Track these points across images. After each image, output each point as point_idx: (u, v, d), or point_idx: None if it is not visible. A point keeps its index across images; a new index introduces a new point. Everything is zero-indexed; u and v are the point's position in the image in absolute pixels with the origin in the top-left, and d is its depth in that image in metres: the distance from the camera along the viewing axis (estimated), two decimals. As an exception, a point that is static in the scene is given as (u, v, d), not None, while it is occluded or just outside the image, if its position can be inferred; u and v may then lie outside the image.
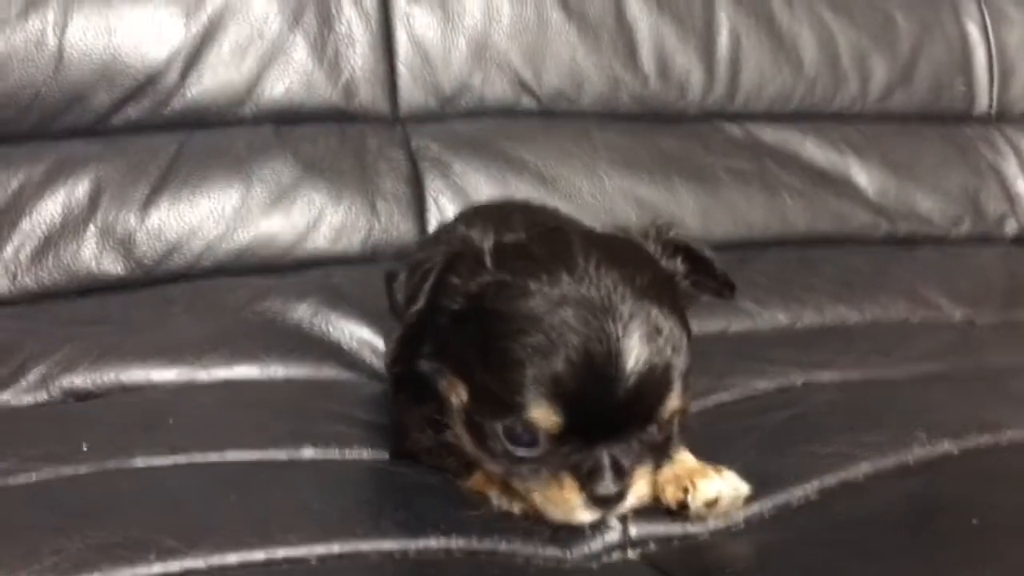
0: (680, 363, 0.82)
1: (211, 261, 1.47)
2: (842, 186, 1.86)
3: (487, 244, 0.86)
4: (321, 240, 1.52)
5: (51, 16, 1.49)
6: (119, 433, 1.04)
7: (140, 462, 0.96)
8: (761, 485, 0.90)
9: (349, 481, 0.93)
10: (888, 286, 1.67)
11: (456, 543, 0.80)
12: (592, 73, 1.76)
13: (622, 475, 0.82)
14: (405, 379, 0.94)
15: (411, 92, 1.67)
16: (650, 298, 0.82)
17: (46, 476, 0.92)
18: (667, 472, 0.89)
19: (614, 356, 0.79)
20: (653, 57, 1.79)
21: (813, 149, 1.88)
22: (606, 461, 0.81)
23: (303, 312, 1.40)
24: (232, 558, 0.75)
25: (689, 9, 1.81)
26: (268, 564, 0.75)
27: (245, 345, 1.30)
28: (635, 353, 0.79)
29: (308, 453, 1.00)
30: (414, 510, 0.84)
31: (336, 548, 0.78)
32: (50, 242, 1.44)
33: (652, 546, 0.86)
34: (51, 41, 1.49)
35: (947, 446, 0.96)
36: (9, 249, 1.43)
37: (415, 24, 1.67)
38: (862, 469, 0.92)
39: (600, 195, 1.68)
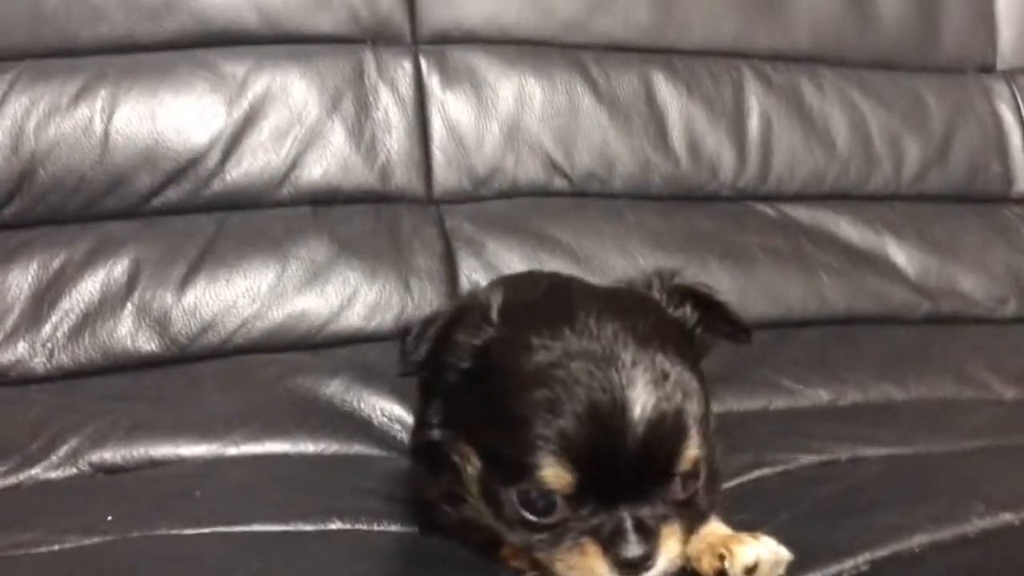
0: (693, 408, 0.79)
1: (245, 338, 1.48)
2: (881, 265, 1.83)
3: (495, 301, 0.85)
4: (355, 317, 1.53)
5: (99, 104, 1.55)
6: (144, 505, 1.02)
7: (164, 531, 0.93)
8: (808, 557, 0.85)
9: (377, 551, 0.90)
10: (933, 364, 1.63)
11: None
12: (624, 155, 1.77)
13: (648, 536, 0.78)
14: (423, 451, 0.92)
15: (445, 174, 1.69)
16: (654, 345, 0.80)
17: (70, 545, 0.90)
18: (701, 542, 0.85)
19: (620, 405, 0.77)
20: (684, 140, 1.81)
21: (849, 229, 1.86)
22: (628, 523, 0.78)
23: (334, 388, 1.38)
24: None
25: (719, 93, 1.84)
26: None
27: (275, 421, 1.29)
28: (642, 400, 0.77)
29: (336, 526, 0.97)
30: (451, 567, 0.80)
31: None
32: (88, 320, 1.46)
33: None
34: (98, 127, 1.54)
35: (1008, 517, 0.91)
36: (48, 327, 1.45)
37: (449, 110, 1.71)
38: (917, 540, 0.87)
39: (634, 274, 1.66)
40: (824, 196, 1.89)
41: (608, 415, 0.76)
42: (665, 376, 0.79)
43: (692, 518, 0.83)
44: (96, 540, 0.91)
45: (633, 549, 0.77)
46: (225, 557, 0.84)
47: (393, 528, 0.97)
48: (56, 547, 0.91)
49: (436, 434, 0.87)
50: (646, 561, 0.78)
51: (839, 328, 1.72)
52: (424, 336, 0.85)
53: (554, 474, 0.77)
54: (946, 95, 1.98)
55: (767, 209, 1.85)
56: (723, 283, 1.72)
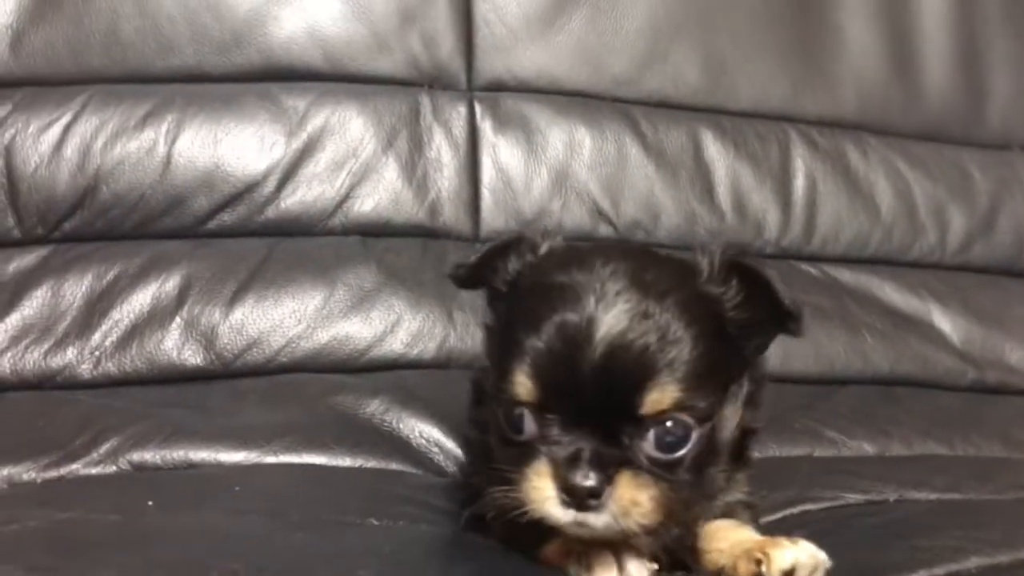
0: (671, 355, 0.78)
1: (289, 357, 1.49)
2: (925, 330, 1.82)
3: (549, 241, 0.89)
4: (397, 344, 1.53)
5: (165, 127, 1.60)
6: (184, 494, 1.02)
7: (205, 514, 0.92)
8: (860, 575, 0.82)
9: (418, 539, 0.89)
10: (980, 428, 1.59)
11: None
12: (669, 206, 1.79)
13: (604, 472, 0.77)
14: (473, 388, 0.95)
15: (493, 214, 1.72)
16: (651, 291, 0.80)
17: (111, 520, 0.90)
18: (736, 547, 0.83)
19: (586, 325, 0.78)
20: (730, 196, 1.82)
21: (892, 293, 1.85)
22: (586, 452, 0.77)
23: (375, 408, 1.38)
24: (301, 585, 0.71)
25: (765, 153, 1.86)
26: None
27: (315, 434, 1.29)
28: (609, 325, 0.77)
29: (375, 523, 0.95)
30: (487, 565, 0.79)
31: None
32: (136, 331, 1.48)
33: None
34: (162, 149, 1.59)
35: (1067, 549, 0.87)
36: (97, 336, 1.47)
37: (500, 153, 1.74)
38: (973, 562, 0.84)
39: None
40: (868, 260, 1.89)
41: (574, 332, 0.78)
42: (646, 315, 0.78)
43: (672, 487, 0.79)
44: (138, 518, 0.90)
45: (582, 478, 0.76)
46: (269, 531, 0.83)
47: (433, 528, 0.95)
48: (98, 523, 0.90)
49: (480, 369, 0.92)
50: (594, 495, 0.77)
51: (882, 388, 1.70)
52: (481, 252, 0.90)
53: (521, 383, 0.79)
54: (991, 169, 1.99)
55: (811, 269, 1.85)
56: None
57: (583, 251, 0.89)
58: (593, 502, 0.77)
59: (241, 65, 1.67)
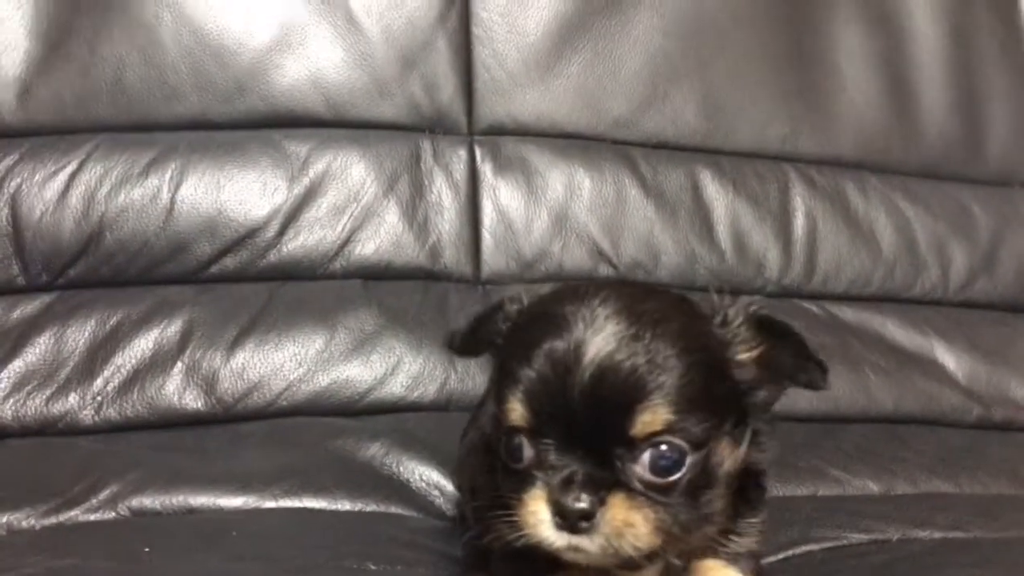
0: (661, 378, 0.78)
1: (289, 401, 1.49)
2: (929, 368, 1.81)
3: (528, 295, 0.90)
4: (398, 387, 1.54)
5: (168, 174, 1.62)
6: (182, 540, 1.02)
7: (201, 561, 0.92)
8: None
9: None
10: (987, 465, 1.58)
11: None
12: (669, 246, 1.80)
13: (597, 495, 0.77)
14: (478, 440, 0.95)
15: (493, 256, 1.73)
16: (642, 320, 0.80)
17: (105, 567, 0.89)
18: None
19: (574, 350, 0.79)
20: (730, 235, 1.83)
21: (896, 330, 1.85)
22: (579, 475, 0.78)
23: (375, 451, 1.38)
24: (287, 635, 0.70)
25: (765, 192, 1.87)
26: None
27: (315, 478, 1.28)
28: (597, 348, 0.78)
29: (373, 568, 0.95)
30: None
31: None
32: (138, 376, 1.49)
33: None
34: (165, 196, 1.61)
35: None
36: (99, 381, 1.48)
37: (501, 196, 1.76)
38: (979, 599, 0.82)
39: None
40: (870, 297, 1.89)
41: (563, 357, 0.79)
42: (635, 337, 0.79)
43: (667, 510, 0.79)
44: (132, 567, 0.90)
45: (574, 500, 0.77)
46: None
47: (431, 572, 0.94)
48: (93, 570, 0.90)
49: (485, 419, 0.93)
50: (586, 517, 0.77)
51: (887, 426, 1.68)
52: (472, 318, 0.93)
53: (514, 409, 0.80)
54: (992, 206, 1.99)
55: (813, 307, 1.85)
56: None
57: (579, 286, 0.89)
58: (585, 524, 0.77)
59: (244, 112, 1.69)
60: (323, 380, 1.52)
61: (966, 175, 2.01)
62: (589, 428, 0.79)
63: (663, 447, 0.79)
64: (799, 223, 1.87)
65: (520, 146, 1.79)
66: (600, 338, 0.79)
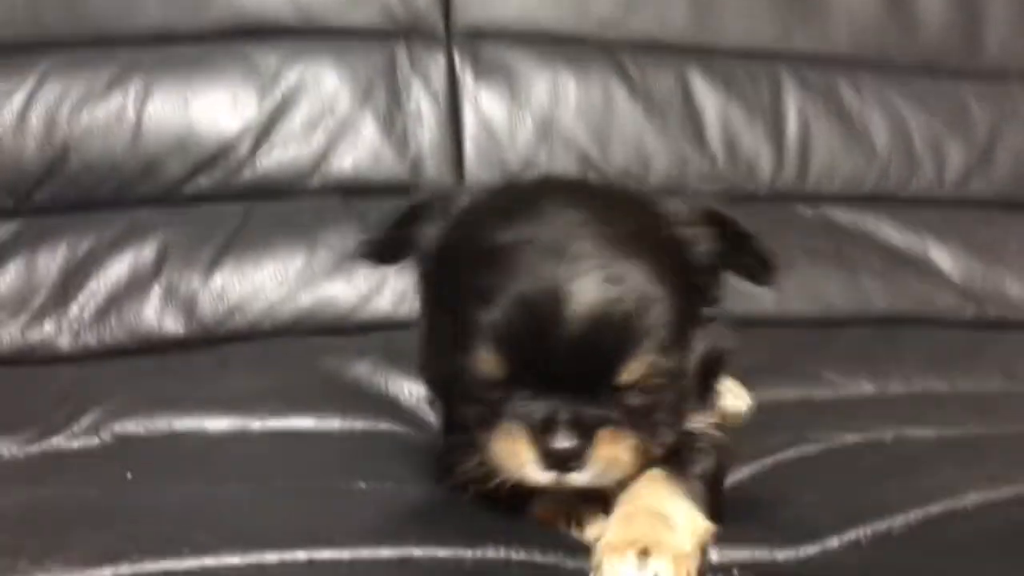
0: (649, 323, 0.73)
1: (272, 322, 1.46)
2: (923, 267, 1.78)
3: (462, 198, 0.82)
4: (384, 304, 1.50)
5: (133, 92, 1.55)
6: (165, 465, 1.00)
7: (185, 485, 0.90)
8: (855, 514, 0.80)
9: (405, 501, 0.86)
10: (981, 363, 1.57)
11: (517, 555, 0.72)
12: (659, 151, 1.75)
13: (584, 433, 0.74)
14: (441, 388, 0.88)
15: (477, 168, 1.67)
16: (619, 244, 0.74)
17: (87, 495, 0.87)
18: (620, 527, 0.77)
19: (556, 298, 0.72)
20: (721, 138, 1.78)
21: (890, 231, 1.82)
22: (563, 415, 0.73)
23: (362, 370, 1.35)
24: (271, 557, 0.68)
25: (756, 92, 1.81)
26: (311, 564, 0.68)
27: (301, 398, 1.26)
28: (582, 296, 0.72)
29: (362, 486, 0.93)
30: (473, 523, 0.76)
31: (386, 553, 0.70)
32: (114, 301, 1.44)
33: (736, 572, 0.76)
34: (131, 115, 1.54)
35: (1071, 482, 0.85)
36: (74, 308, 1.44)
37: (482, 103, 1.69)
38: (971, 499, 0.81)
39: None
40: (864, 198, 1.85)
41: (543, 307, 0.72)
42: (620, 278, 0.73)
43: (649, 434, 0.77)
44: (115, 491, 0.87)
45: (562, 441, 0.73)
46: (247, 501, 0.80)
47: (421, 488, 0.92)
48: (75, 498, 0.87)
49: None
50: (575, 458, 0.74)
51: (881, 328, 1.67)
52: (387, 223, 0.84)
53: (484, 361, 0.74)
54: (989, 100, 1.94)
55: (806, 210, 1.81)
56: (762, 280, 1.68)
57: (523, 196, 0.82)
58: (574, 463, 0.74)
59: (210, 23, 1.61)
60: (306, 299, 1.48)
61: (963, 70, 1.95)
62: (572, 377, 0.74)
63: (643, 384, 0.76)
64: (792, 124, 1.82)
65: (501, 50, 1.72)
66: (583, 284, 0.72)
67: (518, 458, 0.75)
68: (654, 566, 0.71)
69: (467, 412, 0.78)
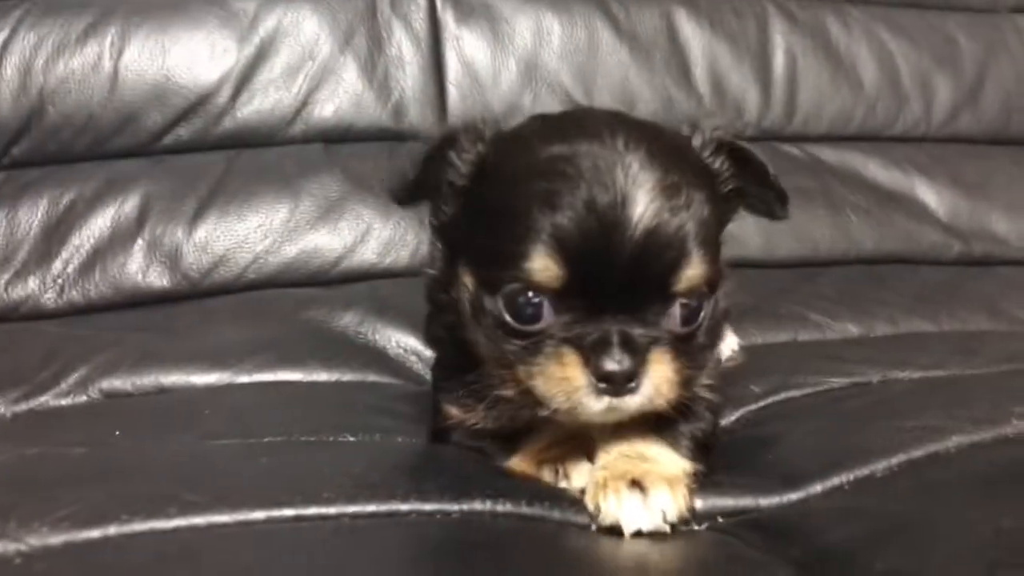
0: (700, 231, 0.74)
1: (257, 273, 1.45)
2: (910, 206, 1.78)
3: (491, 126, 0.81)
4: (369, 253, 1.49)
5: (108, 40, 1.52)
6: (153, 422, 1.00)
7: (173, 441, 0.90)
8: (839, 458, 0.81)
9: (391, 454, 0.87)
10: (966, 301, 1.58)
11: (503, 507, 0.73)
12: (645, 92, 1.73)
13: (635, 354, 0.72)
14: (429, 295, 0.87)
15: (461, 111, 1.65)
16: (669, 161, 0.74)
17: (75, 454, 0.87)
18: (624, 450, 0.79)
19: (621, 203, 0.71)
20: (707, 77, 1.76)
21: (877, 170, 1.81)
22: (615, 336, 0.72)
23: (349, 320, 1.35)
24: (259, 514, 0.69)
25: (743, 30, 1.78)
26: (298, 519, 0.69)
27: (288, 350, 1.26)
28: (645, 203, 0.72)
29: (349, 439, 0.93)
30: (459, 476, 0.77)
31: (372, 507, 0.71)
32: (98, 256, 1.43)
33: (720, 520, 0.77)
34: (107, 64, 1.51)
35: (1049, 423, 0.86)
36: (58, 263, 1.43)
37: (465, 46, 1.66)
38: (954, 441, 0.82)
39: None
40: (852, 137, 1.84)
41: (607, 211, 0.71)
42: (675, 188, 0.73)
43: (691, 357, 0.77)
44: (103, 449, 0.88)
45: (616, 363, 0.71)
46: (234, 457, 0.81)
47: (409, 440, 0.93)
48: (64, 457, 0.88)
49: (437, 272, 0.84)
50: (629, 380, 0.72)
51: (868, 267, 1.67)
52: (417, 160, 0.80)
53: (544, 266, 0.72)
54: (978, 35, 1.92)
55: (793, 149, 1.80)
56: (748, 222, 1.66)
57: (564, 120, 0.82)
58: (630, 386, 0.73)
59: (183, -33, 1.57)
60: (291, 250, 1.47)
61: (952, 3, 1.93)
62: (627, 287, 0.73)
63: (692, 298, 0.75)
64: (779, 62, 1.80)
65: (484, -9, 1.68)
66: (646, 191, 0.72)
67: (572, 383, 0.72)
68: (652, 495, 0.73)
69: (504, 346, 0.75)
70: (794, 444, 0.89)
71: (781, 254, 1.66)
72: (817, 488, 0.78)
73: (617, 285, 0.72)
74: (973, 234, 1.78)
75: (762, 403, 1.07)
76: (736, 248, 1.61)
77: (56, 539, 0.64)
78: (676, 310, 0.75)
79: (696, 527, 0.76)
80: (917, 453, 0.81)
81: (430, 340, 0.94)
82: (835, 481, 0.79)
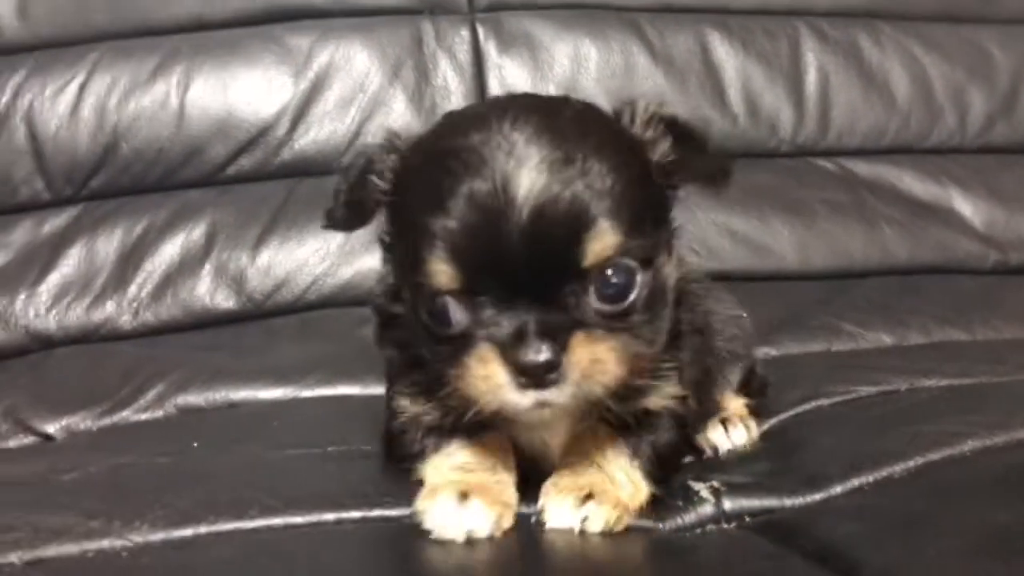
0: (607, 201, 0.70)
1: (316, 295, 1.55)
2: (945, 217, 1.82)
3: (405, 136, 0.81)
4: (419, 274, 1.57)
5: (175, 79, 1.63)
6: (226, 434, 1.09)
7: (247, 451, 0.99)
8: (859, 461, 0.87)
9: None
10: (1001, 311, 1.61)
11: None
12: (680, 113, 1.77)
13: (556, 342, 0.69)
14: (379, 320, 0.89)
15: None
16: (563, 136, 0.71)
17: (161, 463, 0.97)
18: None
19: (503, 188, 0.69)
20: (741, 97, 1.81)
21: (911, 181, 1.85)
22: (531, 325, 0.69)
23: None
24: (329, 516, 0.77)
25: (775, 50, 1.84)
26: (364, 521, 0.77)
27: (347, 366, 1.35)
28: (529, 182, 0.69)
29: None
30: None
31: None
32: (169, 280, 1.54)
33: (748, 519, 0.83)
34: (174, 102, 1.63)
35: (1062, 429, 0.91)
36: (133, 288, 1.54)
37: (506, 74, 1.75)
38: (969, 445, 0.88)
39: (692, 227, 1.66)
40: (885, 150, 1.88)
41: (489, 200, 0.69)
42: (567, 160, 0.70)
43: (629, 335, 0.73)
44: (184, 457, 0.97)
45: (534, 353, 0.68)
46: (305, 464, 0.90)
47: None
48: (149, 466, 0.97)
49: (386, 287, 0.85)
50: (551, 369, 0.69)
51: (902, 278, 1.71)
52: (344, 185, 0.82)
53: (438, 269, 0.70)
54: (1011, 45, 1.95)
55: (827, 164, 1.85)
56: (783, 235, 1.73)
57: (474, 110, 0.81)
58: (552, 376, 0.69)
59: (242, 8, 1.68)
60: (347, 272, 1.56)
61: (984, 16, 1.96)
62: (531, 272, 0.70)
63: (612, 272, 0.72)
64: (811, 79, 1.85)
65: (523, 21, 1.76)
66: (529, 168, 0.69)
67: (492, 381, 0.70)
68: (593, 510, 0.74)
69: (434, 351, 0.74)
70: (819, 450, 0.95)
71: (816, 266, 1.70)
72: (837, 489, 0.85)
73: (521, 273, 0.70)
74: (1009, 244, 1.81)
75: (792, 412, 1.13)
76: (772, 260, 1.70)
77: (155, 537, 0.73)
78: (592, 288, 0.72)
79: (725, 525, 0.83)
80: (934, 456, 0.86)
81: (382, 351, 0.94)
82: (855, 482, 0.85)
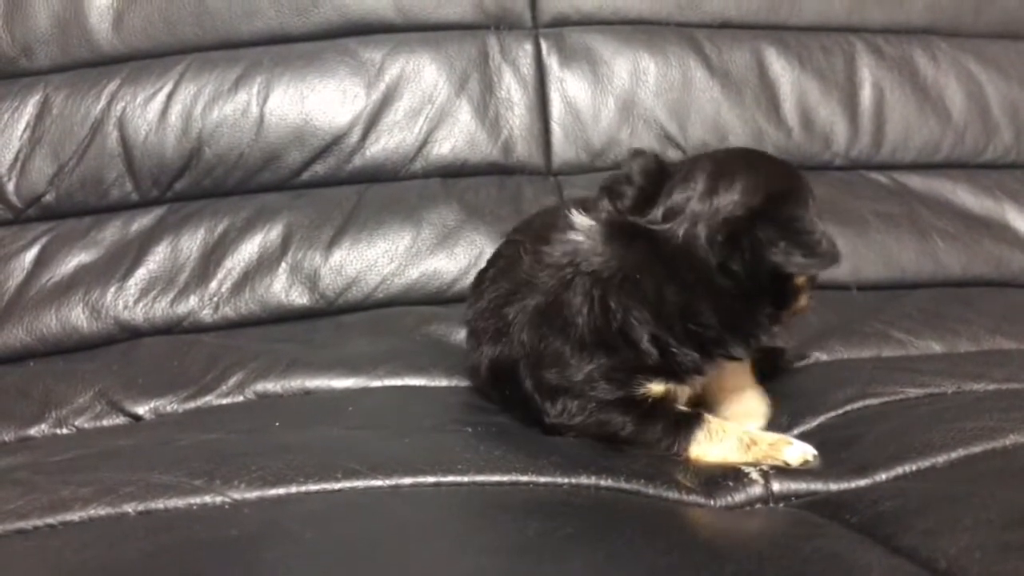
0: None
1: (384, 293, 1.63)
2: (999, 230, 1.84)
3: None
4: (481, 276, 1.65)
5: (256, 89, 1.73)
6: (305, 416, 1.17)
7: (324, 430, 1.07)
8: (903, 452, 0.91)
9: (511, 437, 1.01)
10: (1054, 324, 1.62)
11: (605, 482, 0.86)
12: (736, 126, 1.84)
13: None
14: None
15: (563, 147, 1.80)
16: None
17: (246, 438, 1.05)
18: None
19: None
20: (796, 111, 1.86)
21: (965, 195, 1.87)
22: None
23: (464, 335, 1.51)
24: (407, 480, 0.84)
25: (831, 65, 1.88)
26: (437, 485, 0.84)
27: (413, 360, 1.42)
28: None
29: (469, 430, 1.08)
30: (569, 456, 0.91)
31: (496, 478, 0.86)
32: (248, 277, 1.64)
33: (794, 501, 0.88)
34: (254, 110, 1.73)
35: (1108, 423, 0.94)
36: (214, 284, 1.64)
37: (568, 87, 1.82)
38: (1010, 439, 0.92)
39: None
40: (940, 165, 1.91)
41: None
42: None
43: None
44: (268, 436, 1.05)
45: None
46: (381, 436, 0.97)
47: (524, 429, 1.08)
48: (237, 440, 1.06)
49: None
50: None
51: (954, 290, 1.73)
52: None
53: None
54: (1069, 62, 1.96)
55: (881, 177, 1.88)
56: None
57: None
58: None
59: (319, 23, 1.78)
60: (413, 273, 1.65)
61: (1042, 32, 1.98)
62: None
63: None
64: (866, 94, 1.88)
65: (584, 36, 1.84)
66: None
67: None
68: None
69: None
70: (865, 443, 0.99)
71: (868, 277, 1.74)
72: (882, 476, 0.89)
73: None
74: (1064, 259, 1.82)
75: (841, 410, 1.17)
76: (824, 272, 1.73)
77: (251, 494, 0.81)
78: None
79: (773, 505, 0.88)
80: (976, 449, 0.91)
81: None
82: (899, 471, 0.90)
